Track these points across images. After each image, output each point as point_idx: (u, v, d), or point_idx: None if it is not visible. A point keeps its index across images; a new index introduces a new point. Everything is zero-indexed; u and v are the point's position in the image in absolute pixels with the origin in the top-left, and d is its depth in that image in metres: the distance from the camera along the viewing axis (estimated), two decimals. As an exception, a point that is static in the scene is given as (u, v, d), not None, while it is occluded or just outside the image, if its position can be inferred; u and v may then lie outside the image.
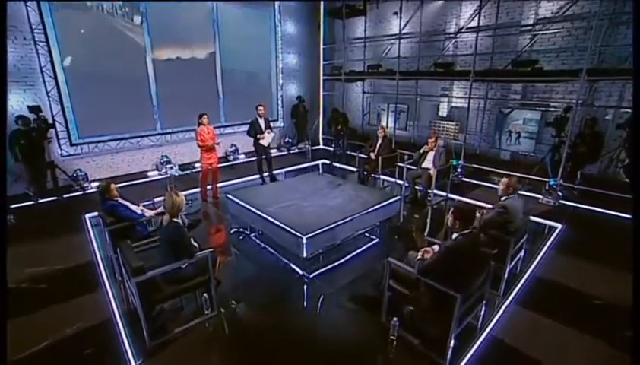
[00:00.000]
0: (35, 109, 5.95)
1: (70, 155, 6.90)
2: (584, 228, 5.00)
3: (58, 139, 6.67)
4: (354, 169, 7.44)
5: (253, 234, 4.81)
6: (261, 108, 6.54)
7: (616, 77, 6.16)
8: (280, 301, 3.56)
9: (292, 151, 9.98)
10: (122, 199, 3.96)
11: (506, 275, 3.49)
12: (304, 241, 3.59)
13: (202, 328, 3.07)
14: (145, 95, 7.74)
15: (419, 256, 2.96)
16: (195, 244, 3.09)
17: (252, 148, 6.89)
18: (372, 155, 6.69)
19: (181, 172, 7.35)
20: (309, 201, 4.55)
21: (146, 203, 4.49)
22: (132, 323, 3.05)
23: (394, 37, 9.16)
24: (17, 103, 6.14)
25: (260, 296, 3.58)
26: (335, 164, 8.54)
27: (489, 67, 7.69)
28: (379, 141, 6.73)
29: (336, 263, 4.13)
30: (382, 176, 6.72)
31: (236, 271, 4.09)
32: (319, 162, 8.75)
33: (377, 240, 4.67)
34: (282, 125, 10.56)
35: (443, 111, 9.24)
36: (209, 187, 6.24)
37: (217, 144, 6.10)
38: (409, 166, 6.11)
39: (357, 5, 9.78)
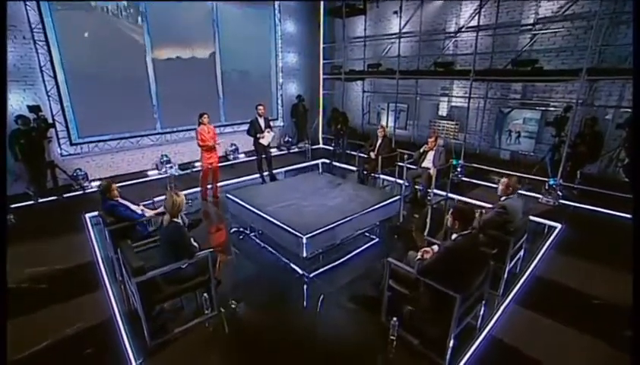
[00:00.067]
0: (35, 109, 5.94)
1: (70, 154, 6.90)
2: (584, 228, 5.00)
3: (58, 139, 6.67)
4: (354, 168, 7.44)
5: (253, 234, 4.82)
6: (260, 107, 6.53)
7: (616, 77, 6.16)
8: (280, 301, 3.56)
9: (292, 150, 9.98)
10: (123, 199, 3.97)
11: (506, 275, 3.50)
12: (304, 241, 3.60)
13: (202, 327, 3.08)
14: (145, 94, 7.73)
15: (418, 256, 2.96)
16: (195, 244, 3.10)
17: (252, 147, 6.89)
18: (372, 154, 6.69)
19: (181, 172, 7.35)
20: (309, 201, 4.55)
21: (146, 203, 4.50)
22: (132, 323, 3.06)
23: (394, 36, 9.15)
24: (17, 102, 6.13)
25: (260, 296, 3.58)
26: (335, 163, 8.54)
27: (489, 66, 7.68)
28: (379, 141, 6.73)
29: (336, 263, 4.14)
30: (382, 176, 6.72)
31: (236, 271, 4.09)
32: (319, 161, 8.76)
33: (377, 240, 4.68)
34: (282, 124, 10.56)
35: (443, 110, 9.24)
36: (209, 186, 6.24)
37: (218, 144, 6.11)
38: (409, 165, 6.11)
39: (357, 4, 9.75)
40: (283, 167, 8.03)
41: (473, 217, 2.83)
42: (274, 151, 8.92)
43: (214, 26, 8.52)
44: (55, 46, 6.39)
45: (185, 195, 3.32)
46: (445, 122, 8.87)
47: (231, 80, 9.11)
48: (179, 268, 2.93)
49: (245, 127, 6.88)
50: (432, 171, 5.65)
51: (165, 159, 7.98)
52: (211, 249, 3.11)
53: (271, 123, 6.98)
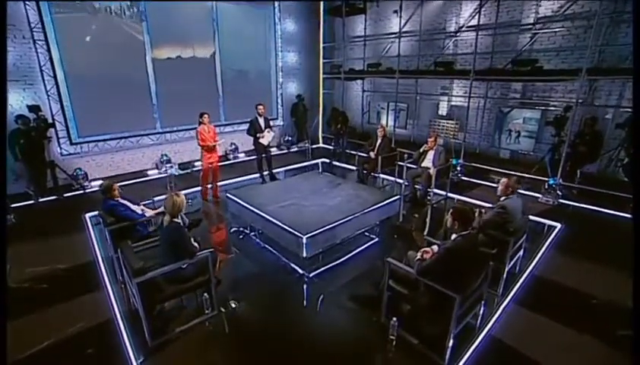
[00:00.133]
0: (34, 109, 5.94)
1: (70, 154, 6.90)
2: (584, 227, 5.01)
3: (57, 138, 6.67)
4: (354, 168, 7.45)
5: (253, 233, 4.83)
6: (260, 107, 6.53)
7: (616, 77, 6.16)
8: (280, 300, 3.57)
9: (292, 150, 9.99)
10: (123, 199, 3.97)
11: (505, 275, 3.50)
12: (304, 241, 3.61)
13: (203, 327, 3.09)
14: (145, 94, 7.73)
15: (418, 256, 2.97)
16: (196, 244, 3.11)
17: (252, 147, 6.90)
18: (372, 154, 6.70)
19: (181, 172, 7.36)
20: (309, 201, 4.56)
21: (146, 202, 4.50)
22: (133, 323, 3.07)
23: (393, 36, 9.14)
24: (17, 102, 6.13)
25: (260, 296, 3.59)
26: (335, 163, 8.55)
27: (489, 66, 7.67)
28: (379, 140, 6.73)
29: (336, 262, 4.15)
30: (382, 175, 6.72)
31: (236, 271, 4.10)
32: (319, 161, 8.76)
33: (376, 239, 4.69)
34: (282, 123, 10.56)
35: (443, 110, 9.24)
36: (209, 186, 6.24)
37: (218, 144, 6.11)
38: (408, 165, 6.11)
39: (357, 3, 9.74)
40: (283, 167, 8.04)
41: (472, 217, 2.84)
42: (273, 151, 8.92)
43: (214, 26, 8.52)
44: (55, 46, 6.38)
45: (185, 195, 3.33)
46: (445, 121, 8.90)
47: (231, 79, 9.10)
48: (180, 268, 2.94)
49: (245, 126, 6.88)
50: (432, 171, 5.65)
51: (165, 158, 7.99)
52: (211, 249, 3.12)
53: (271, 123, 6.98)
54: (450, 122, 8.77)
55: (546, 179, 6.11)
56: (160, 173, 7.69)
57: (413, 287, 2.86)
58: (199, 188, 6.27)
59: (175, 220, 3.03)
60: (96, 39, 6.86)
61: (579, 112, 6.33)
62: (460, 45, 8.61)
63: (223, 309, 3.23)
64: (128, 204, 3.97)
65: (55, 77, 6.45)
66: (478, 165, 7.58)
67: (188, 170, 7.66)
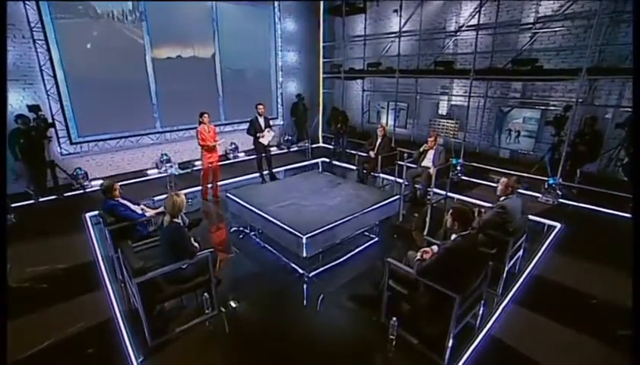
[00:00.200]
0: (34, 108, 5.94)
1: (70, 154, 6.90)
2: (583, 227, 5.02)
3: (57, 138, 6.67)
4: (354, 167, 7.44)
5: (253, 233, 4.83)
6: (260, 106, 6.53)
7: (616, 76, 6.16)
8: (280, 300, 3.58)
9: (292, 149, 9.98)
10: (123, 199, 3.98)
11: (505, 274, 3.51)
12: (304, 241, 3.61)
13: (203, 327, 3.09)
14: (145, 93, 7.73)
15: (418, 257, 2.98)
16: (196, 244, 3.11)
17: (252, 146, 6.89)
18: (372, 153, 6.70)
19: (180, 171, 7.36)
20: (309, 201, 4.57)
21: (146, 202, 4.51)
22: (133, 322, 3.07)
23: (393, 35, 9.13)
24: (17, 101, 6.13)
25: (260, 295, 3.60)
26: (335, 162, 8.55)
27: (489, 65, 7.67)
28: (379, 140, 6.74)
29: (336, 262, 4.15)
30: (382, 175, 6.72)
31: (236, 270, 4.10)
32: (319, 160, 8.76)
33: (376, 239, 4.69)
34: (282, 123, 10.56)
35: (443, 109, 9.23)
36: (209, 186, 6.24)
37: (218, 144, 6.11)
38: (408, 164, 6.11)
39: (357, 3, 9.73)
40: (283, 166, 8.04)
41: (472, 218, 2.84)
42: (273, 150, 8.93)
43: (214, 25, 8.51)
44: (55, 46, 6.37)
45: (185, 195, 3.33)
46: (445, 120, 8.91)
47: (231, 78, 9.10)
48: (180, 268, 2.94)
49: (245, 126, 6.88)
50: (432, 170, 5.65)
51: (165, 158, 7.99)
52: (211, 249, 3.12)
53: (271, 122, 6.98)
54: (450, 121, 8.77)
55: (546, 178, 6.11)
56: (160, 173, 7.69)
57: (412, 287, 2.86)
58: (199, 187, 6.28)
59: (176, 220, 3.04)
60: (97, 44, 6.87)
61: (579, 111, 6.33)
62: (461, 44, 8.60)
63: (223, 309, 3.24)
64: (128, 204, 3.97)
65: (54, 76, 6.44)
66: (478, 164, 7.58)
67: (188, 170, 7.67)
